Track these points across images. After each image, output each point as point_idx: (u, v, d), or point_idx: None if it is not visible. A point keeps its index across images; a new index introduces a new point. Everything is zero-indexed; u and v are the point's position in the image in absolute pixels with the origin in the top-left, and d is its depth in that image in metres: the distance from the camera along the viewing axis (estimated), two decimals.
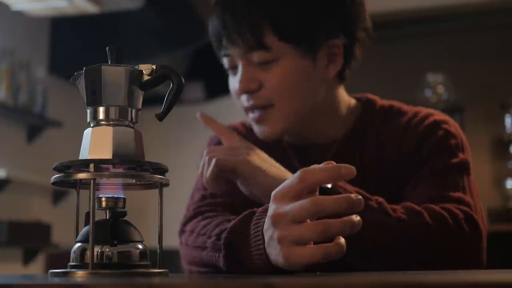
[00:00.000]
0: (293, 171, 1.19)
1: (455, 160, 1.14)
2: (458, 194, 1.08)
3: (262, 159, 1.09)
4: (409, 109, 1.23)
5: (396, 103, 1.25)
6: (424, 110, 1.22)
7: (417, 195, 1.10)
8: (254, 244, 0.87)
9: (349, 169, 0.78)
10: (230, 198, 1.18)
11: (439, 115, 1.20)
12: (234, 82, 1.19)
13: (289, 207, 0.78)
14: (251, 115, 1.19)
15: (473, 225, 1.04)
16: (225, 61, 1.19)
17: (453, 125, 1.19)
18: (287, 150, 1.23)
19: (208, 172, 1.06)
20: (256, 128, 1.19)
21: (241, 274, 0.92)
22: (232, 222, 0.94)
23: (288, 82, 1.14)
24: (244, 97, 1.17)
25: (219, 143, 1.28)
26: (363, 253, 0.97)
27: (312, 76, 1.16)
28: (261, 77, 1.14)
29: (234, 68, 1.19)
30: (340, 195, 0.77)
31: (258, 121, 1.18)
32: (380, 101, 1.25)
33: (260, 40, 1.12)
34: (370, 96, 1.26)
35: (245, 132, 1.28)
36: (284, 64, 1.14)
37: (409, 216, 1.00)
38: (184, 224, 1.16)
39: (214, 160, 1.05)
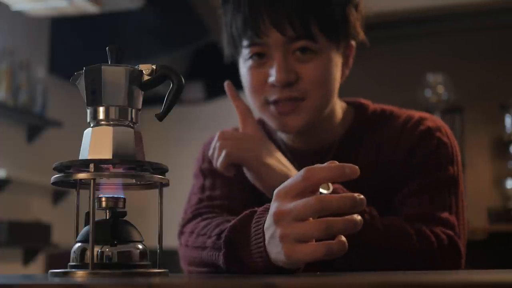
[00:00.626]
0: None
1: (444, 175, 1.15)
2: (445, 215, 1.11)
3: (270, 155, 1.10)
4: (402, 112, 1.23)
5: (388, 107, 1.26)
6: (417, 114, 1.22)
7: (407, 210, 1.12)
8: (254, 242, 0.87)
9: (353, 168, 0.78)
10: (227, 200, 1.18)
11: (432, 121, 1.21)
12: (257, 73, 1.15)
13: (293, 204, 0.78)
14: (275, 107, 1.15)
15: (455, 250, 1.08)
16: (248, 51, 1.14)
17: (446, 133, 1.20)
18: (286, 154, 1.22)
19: (218, 162, 1.09)
20: (280, 121, 1.16)
21: (241, 274, 0.92)
22: (233, 221, 0.94)
23: (325, 76, 1.15)
24: (273, 89, 1.13)
25: None
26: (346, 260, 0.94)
27: (339, 74, 1.19)
28: (298, 69, 1.13)
29: (259, 57, 1.14)
30: (344, 194, 0.77)
31: (289, 112, 1.14)
32: (372, 106, 1.26)
33: (309, 30, 1.11)
34: (362, 100, 1.27)
35: None
36: (323, 58, 1.14)
37: (396, 235, 1.03)
38: (183, 225, 1.16)
39: (224, 151, 1.08)
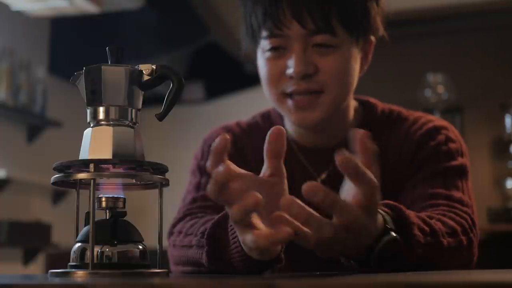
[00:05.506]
0: (304, 173, 1.19)
1: (455, 163, 1.15)
2: (460, 195, 1.09)
3: None
4: (409, 114, 1.24)
5: (396, 108, 1.26)
6: (424, 117, 1.23)
7: (419, 192, 1.11)
8: (232, 237, 0.87)
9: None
10: None
11: (438, 121, 1.22)
12: (274, 65, 1.13)
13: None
14: (292, 101, 1.13)
15: (475, 230, 1.05)
16: (267, 42, 1.13)
17: (453, 131, 1.21)
18: (297, 152, 1.22)
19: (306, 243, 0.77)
20: (297, 115, 1.14)
21: (222, 272, 0.93)
22: (216, 218, 0.93)
23: (344, 70, 1.14)
24: (290, 81, 1.12)
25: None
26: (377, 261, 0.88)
27: (357, 69, 1.18)
28: (317, 62, 1.12)
29: (278, 49, 1.13)
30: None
31: (307, 106, 1.13)
32: (381, 105, 1.26)
33: (329, 23, 1.10)
34: (371, 100, 1.27)
35: (241, 133, 1.27)
36: (343, 52, 1.13)
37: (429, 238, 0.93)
38: (173, 226, 1.15)
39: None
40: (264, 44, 1.14)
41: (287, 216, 0.73)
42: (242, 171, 0.80)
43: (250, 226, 0.76)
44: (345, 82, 1.15)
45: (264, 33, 1.13)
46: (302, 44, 1.11)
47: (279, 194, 0.81)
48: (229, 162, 0.76)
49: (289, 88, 1.13)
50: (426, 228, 0.92)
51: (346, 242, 0.76)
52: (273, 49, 1.13)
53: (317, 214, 0.72)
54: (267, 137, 0.81)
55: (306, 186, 0.70)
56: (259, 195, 0.72)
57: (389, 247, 0.83)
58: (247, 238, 0.77)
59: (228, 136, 0.76)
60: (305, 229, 0.74)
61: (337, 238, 0.74)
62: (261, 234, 0.75)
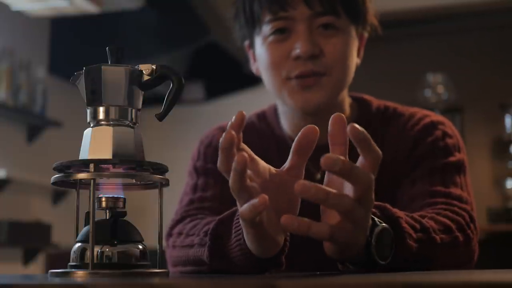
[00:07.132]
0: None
1: (452, 159, 1.15)
2: (459, 191, 1.09)
3: None
4: (405, 109, 1.24)
5: (391, 104, 1.26)
6: (420, 112, 1.23)
7: (418, 190, 1.11)
8: (235, 234, 0.88)
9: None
10: (218, 202, 1.17)
11: (435, 116, 1.22)
12: (278, 48, 1.14)
13: None
14: (297, 82, 1.14)
15: (474, 227, 1.05)
16: (270, 26, 1.14)
17: (449, 126, 1.21)
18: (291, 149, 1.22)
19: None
20: (301, 96, 1.14)
21: (223, 271, 0.93)
22: (221, 215, 0.94)
23: (346, 53, 1.16)
24: (296, 63, 1.13)
25: (209, 145, 1.26)
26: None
27: (355, 57, 1.20)
28: (322, 44, 1.13)
29: (282, 32, 1.14)
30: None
31: (311, 86, 1.14)
32: (376, 102, 1.26)
33: (334, 5, 1.13)
34: (366, 96, 1.27)
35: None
36: (345, 35, 1.16)
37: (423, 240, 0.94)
38: (172, 227, 1.15)
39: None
40: (266, 29, 1.15)
41: (296, 217, 0.73)
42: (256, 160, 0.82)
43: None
44: (347, 66, 1.16)
45: (268, 17, 1.14)
46: (307, 26, 1.13)
47: (289, 192, 0.81)
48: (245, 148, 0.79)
49: (295, 71, 1.13)
50: (416, 225, 0.92)
51: (358, 221, 0.76)
52: (277, 31, 1.14)
53: (334, 190, 0.73)
54: (299, 133, 0.83)
55: (323, 159, 0.72)
56: (266, 197, 0.73)
57: (382, 239, 0.83)
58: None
59: (244, 112, 0.78)
60: (317, 223, 0.74)
61: (353, 215, 0.75)
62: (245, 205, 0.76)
